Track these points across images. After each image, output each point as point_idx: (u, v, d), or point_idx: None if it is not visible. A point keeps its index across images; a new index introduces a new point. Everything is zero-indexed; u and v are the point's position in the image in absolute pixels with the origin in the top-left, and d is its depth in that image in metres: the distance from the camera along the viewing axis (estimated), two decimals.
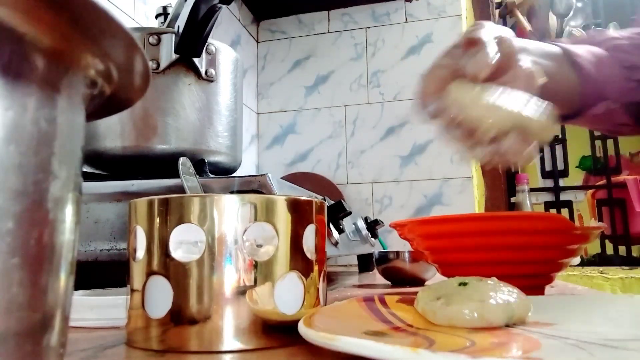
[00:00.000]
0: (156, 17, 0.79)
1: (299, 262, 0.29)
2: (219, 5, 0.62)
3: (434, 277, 0.72)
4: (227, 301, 0.27)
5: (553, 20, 1.56)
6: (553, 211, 1.72)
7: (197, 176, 0.53)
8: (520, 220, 0.48)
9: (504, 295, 0.32)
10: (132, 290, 0.29)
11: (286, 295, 0.29)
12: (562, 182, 1.79)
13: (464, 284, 0.35)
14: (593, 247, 1.68)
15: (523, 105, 0.30)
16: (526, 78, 0.44)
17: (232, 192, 0.51)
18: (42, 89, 0.13)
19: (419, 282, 0.71)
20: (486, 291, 0.33)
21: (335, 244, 0.68)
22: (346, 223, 0.77)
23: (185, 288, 0.27)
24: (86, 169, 0.70)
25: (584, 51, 0.55)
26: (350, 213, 0.69)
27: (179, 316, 0.27)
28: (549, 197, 1.74)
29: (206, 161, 0.66)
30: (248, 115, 1.67)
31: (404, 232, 0.55)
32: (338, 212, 0.68)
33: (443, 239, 0.51)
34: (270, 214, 0.29)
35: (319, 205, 0.32)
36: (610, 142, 1.72)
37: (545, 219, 0.48)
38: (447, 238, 0.50)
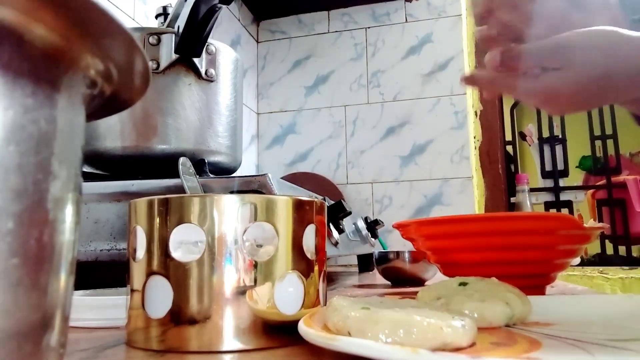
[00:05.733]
0: (156, 17, 0.79)
1: (299, 262, 0.29)
2: (219, 5, 0.62)
3: (434, 277, 0.72)
4: (227, 301, 0.27)
5: None
6: (553, 211, 1.71)
7: (197, 176, 0.53)
8: (525, 221, 0.48)
9: (503, 295, 0.32)
10: (132, 290, 0.29)
11: (286, 295, 0.29)
12: (562, 182, 1.78)
13: (464, 284, 0.35)
14: (593, 247, 1.68)
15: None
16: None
17: (232, 192, 0.51)
18: (42, 89, 0.13)
19: (419, 282, 0.71)
20: (486, 291, 0.33)
21: (335, 244, 0.68)
22: (346, 223, 0.77)
23: (185, 288, 0.27)
24: (86, 169, 0.70)
25: None
26: (350, 213, 0.69)
27: (179, 316, 0.27)
28: (549, 197, 1.74)
29: (206, 161, 0.66)
30: (248, 115, 1.67)
31: (407, 233, 0.55)
32: (338, 212, 0.68)
33: (447, 240, 0.51)
34: (270, 214, 0.29)
35: (319, 205, 0.32)
36: (610, 142, 1.72)
37: (554, 219, 0.48)
38: (451, 238, 0.50)
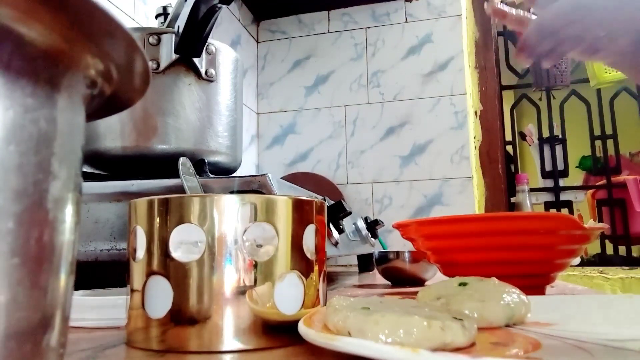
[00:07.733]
0: (156, 17, 0.79)
1: (299, 262, 0.29)
2: (219, 5, 0.62)
3: (434, 277, 0.72)
4: (227, 301, 0.27)
5: None
6: (553, 211, 1.71)
7: (197, 176, 0.53)
8: (525, 221, 0.48)
9: (503, 295, 0.32)
10: (132, 290, 0.29)
11: (286, 295, 0.29)
12: (562, 182, 1.78)
13: (464, 284, 0.35)
14: (593, 247, 1.68)
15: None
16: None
17: (232, 192, 0.51)
18: (42, 89, 0.13)
19: (419, 282, 0.71)
20: (486, 291, 0.33)
21: (335, 244, 0.68)
22: (346, 223, 0.77)
23: (185, 288, 0.27)
24: (86, 169, 0.70)
25: None
26: (350, 213, 0.69)
27: (179, 316, 0.27)
28: (549, 197, 1.74)
29: (206, 161, 0.66)
30: (248, 115, 1.67)
31: (407, 233, 0.55)
32: (338, 212, 0.68)
33: (447, 240, 0.51)
34: (270, 214, 0.29)
35: (319, 205, 0.32)
36: (610, 142, 1.72)
37: (553, 219, 0.48)
38: (451, 238, 0.50)
